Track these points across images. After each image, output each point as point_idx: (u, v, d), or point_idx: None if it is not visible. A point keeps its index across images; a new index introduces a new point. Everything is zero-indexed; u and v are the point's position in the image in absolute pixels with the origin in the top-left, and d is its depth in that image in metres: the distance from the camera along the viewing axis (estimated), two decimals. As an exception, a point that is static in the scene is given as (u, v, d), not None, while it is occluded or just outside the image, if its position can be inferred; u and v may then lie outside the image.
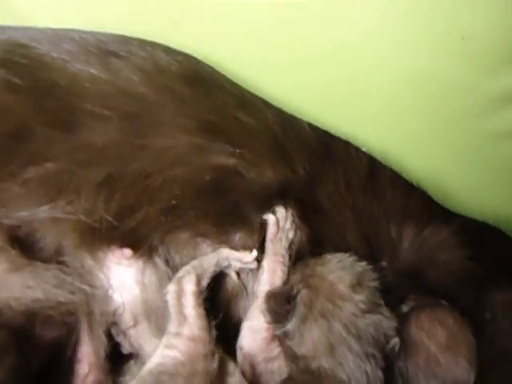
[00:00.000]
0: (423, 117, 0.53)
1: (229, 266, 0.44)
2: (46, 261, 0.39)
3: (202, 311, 0.39)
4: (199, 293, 0.40)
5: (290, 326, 0.39)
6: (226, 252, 0.43)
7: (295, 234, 0.46)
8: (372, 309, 0.38)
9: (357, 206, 0.49)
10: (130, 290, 0.41)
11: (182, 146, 0.44)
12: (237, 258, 0.44)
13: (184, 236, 0.43)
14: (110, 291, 0.41)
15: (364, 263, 0.41)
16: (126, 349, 0.42)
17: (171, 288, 0.40)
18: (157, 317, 0.41)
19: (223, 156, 0.45)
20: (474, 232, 0.49)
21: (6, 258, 0.38)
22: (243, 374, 0.39)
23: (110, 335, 0.41)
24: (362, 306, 0.37)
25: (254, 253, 0.44)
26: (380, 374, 0.36)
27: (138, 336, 0.41)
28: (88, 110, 0.42)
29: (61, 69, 0.42)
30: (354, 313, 0.37)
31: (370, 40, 0.47)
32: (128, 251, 0.41)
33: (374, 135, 0.54)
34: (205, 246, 0.44)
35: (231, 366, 0.39)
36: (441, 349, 0.40)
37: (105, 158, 0.41)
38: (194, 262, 0.42)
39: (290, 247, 0.45)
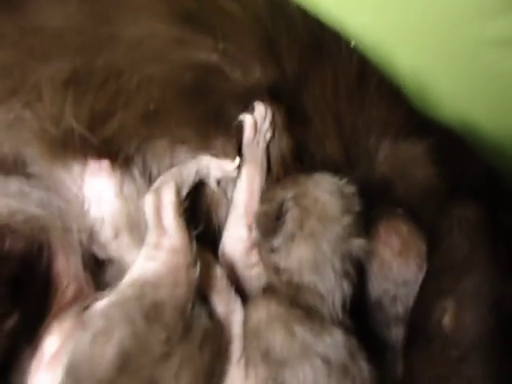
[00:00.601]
0: (420, 11, 0.48)
1: (209, 175, 0.41)
2: (6, 173, 0.34)
3: (182, 221, 0.37)
4: (179, 203, 0.38)
5: (276, 241, 0.39)
6: (206, 160, 0.40)
7: (274, 137, 0.42)
8: (355, 233, 0.39)
9: (340, 115, 0.46)
10: (109, 203, 0.38)
11: (158, 37, 0.38)
12: (218, 167, 0.41)
13: (162, 143, 0.39)
14: (86, 205, 0.37)
15: (352, 187, 0.40)
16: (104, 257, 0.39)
17: (149, 198, 0.37)
18: (139, 229, 0.39)
19: (204, 51, 0.39)
20: (448, 149, 0.48)
21: None
22: None
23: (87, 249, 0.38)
24: (348, 229, 0.38)
25: (237, 160, 0.41)
26: (351, 289, 0.39)
27: (119, 248, 0.39)
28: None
29: None
30: (341, 235, 0.38)
31: None
32: (106, 163, 0.36)
33: (365, 25, 0.49)
34: (183, 153, 0.40)
35: (218, 271, 0.38)
36: (394, 255, 0.42)
37: (65, 48, 0.34)
38: (173, 171, 0.39)
39: (267, 149, 0.42)
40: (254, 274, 0.41)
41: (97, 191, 0.38)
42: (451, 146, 0.49)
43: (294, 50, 0.44)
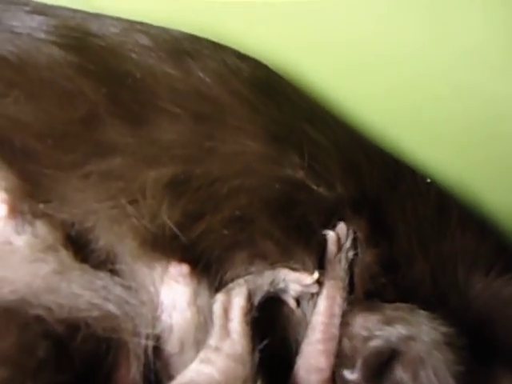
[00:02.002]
0: (501, 151, 0.49)
1: (286, 290, 0.40)
2: (95, 266, 0.35)
3: (247, 329, 0.35)
4: (248, 310, 0.36)
5: None
6: (283, 272, 0.39)
7: (357, 255, 0.41)
8: None
9: (424, 239, 0.45)
10: (181, 312, 0.36)
11: (251, 153, 0.41)
12: (295, 280, 0.39)
13: (242, 255, 0.39)
14: (159, 310, 0.36)
15: (462, 340, 0.36)
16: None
17: (219, 298, 0.36)
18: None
19: (292, 168, 0.42)
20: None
21: (55, 259, 0.34)
22: None
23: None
24: None
25: (316, 274, 0.39)
26: None
27: (180, 365, 0.36)
28: (159, 105, 0.39)
29: (134, 61, 0.39)
30: None
31: (462, 64, 0.45)
32: (186, 268, 0.36)
33: (444, 164, 0.50)
34: (261, 267, 0.39)
35: None
36: None
37: (172, 158, 0.38)
38: (248, 277, 0.38)
39: (349, 268, 0.41)
40: None
41: (171, 297, 0.37)
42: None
43: (372, 175, 0.46)
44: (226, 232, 0.37)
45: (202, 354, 0.34)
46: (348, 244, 0.41)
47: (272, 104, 0.44)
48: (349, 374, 0.36)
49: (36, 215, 0.34)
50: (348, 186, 0.43)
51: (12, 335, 0.30)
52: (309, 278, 0.39)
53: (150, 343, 0.35)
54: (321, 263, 0.41)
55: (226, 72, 0.43)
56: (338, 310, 0.39)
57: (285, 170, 0.41)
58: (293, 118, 0.45)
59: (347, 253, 0.41)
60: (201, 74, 0.41)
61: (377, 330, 0.37)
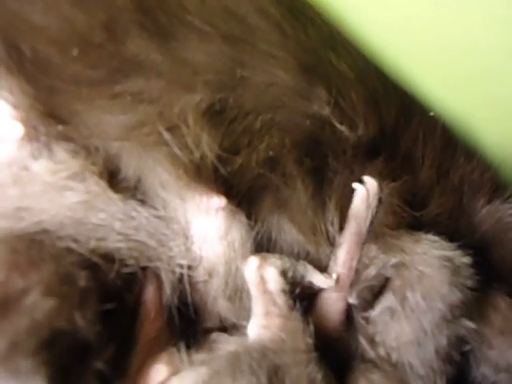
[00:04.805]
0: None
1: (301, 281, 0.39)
2: (124, 196, 0.33)
3: (285, 289, 0.36)
4: (283, 275, 0.36)
5: (375, 313, 0.36)
6: (309, 268, 0.38)
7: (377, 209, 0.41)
8: (464, 312, 0.36)
9: (435, 170, 0.46)
10: (211, 244, 0.36)
11: (282, 86, 0.39)
12: (317, 280, 0.38)
13: (268, 200, 0.38)
14: (189, 242, 0.35)
15: (467, 259, 0.37)
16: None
17: (253, 261, 0.35)
18: (235, 280, 0.37)
19: (318, 103, 0.40)
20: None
21: (81, 187, 0.31)
22: None
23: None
24: (455, 311, 0.36)
25: (334, 276, 0.39)
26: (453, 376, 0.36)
27: (205, 292, 0.37)
28: (187, 19, 0.35)
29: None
30: (448, 315, 0.35)
31: None
32: (223, 200, 0.35)
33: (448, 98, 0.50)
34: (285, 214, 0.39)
35: None
36: (494, 333, 0.39)
37: (206, 83, 0.34)
38: (282, 256, 0.38)
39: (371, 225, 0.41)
40: (345, 343, 0.38)
41: (202, 229, 0.36)
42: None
43: (391, 110, 0.45)
44: (260, 171, 0.36)
45: (255, 322, 0.34)
46: (375, 202, 0.41)
47: (299, 27, 0.41)
48: (350, 299, 0.38)
49: (54, 138, 0.31)
50: (369, 124, 0.42)
51: (48, 265, 0.28)
52: (328, 282, 0.38)
53: (184, 271, 0.34)
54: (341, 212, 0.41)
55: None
56: (355, 264, 0.39)
57: (312, 105, 0.39)
58: (318, 45, 0.42)
59: (373, 209, 0.41)
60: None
61: (374, 258, 0.39)
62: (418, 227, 0.42)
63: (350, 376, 0.35)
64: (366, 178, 0.41)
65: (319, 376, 0.31)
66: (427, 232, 0.40)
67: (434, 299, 0.35)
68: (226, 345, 0.32)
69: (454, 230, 0.43)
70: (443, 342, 0.34)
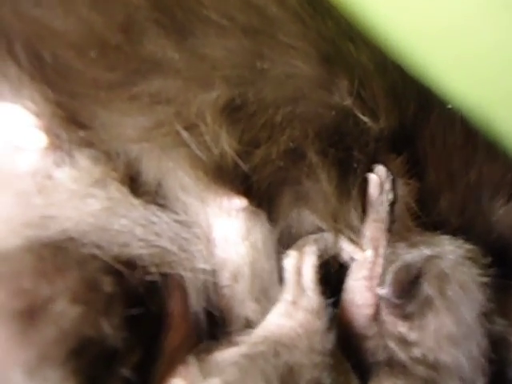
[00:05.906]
0: None
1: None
2: (145, 201, 0.32)
3: (319, 286, 0.35)
4: (318, 268, 0.36)
5: (411, 308, 0.35)
6: (343, 240, 0.38)
7: (396, 200, 0.41)
8: (495, 308, 0.35)
9: (453, 169, 0.45)
10: (235, 246, 0.35)
11: (301, 76, 0.37)
12: (350, 251, 0.38)
13: (289, 194, 0.38)
14: (212, 245, 0.35)
15: (487, 259, 0.36)
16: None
17: (292, 254, 0.36)
18: (261, 280, 0.36)
19: (340, 94, 0.39)
20: None
21: (103, 194, 0.31)
22: None
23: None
24: (490, 304, 0.34)
25: (368, 252, 0.38)
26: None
27: (231, 296, 0.36)
28: (204, 14, 0.33)
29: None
30: (486, 308, 0.34)
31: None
32: (244, 201, 0.34)
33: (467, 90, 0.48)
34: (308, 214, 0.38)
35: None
36: None
37: (224, 78, 0.33)
38: (316, 236, 0.38)
39: (390, 209, 0.41)
40: (368, 346, 0.37)
41: (225, 231, 0.35)
42: None
43: (410, 104, 0.44)
44: (282, 164, 0.35)
45: (279, 308, 0.34)
46: (388, 186, 0.41)
47: (318, 17, 0.40)
48: (380, 290, 0.37)
49: (76, 144, 0.30)
50: (390, 117, 0.41)
51: (74, 272, 0.28)
52: (361, 255, 0.38)
53: (207, 277, 0.34)
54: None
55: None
56: (382, 250, 0.39)
57: (333, 96, 0.38)
58: (337, 36, 0.41)
59: (388, 195, 0.41)
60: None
61: (403, 253, 0.38)
62: (433, 226, 0.41)
63: (374, 379, 0.34)
64: (376, 167, 0.41)
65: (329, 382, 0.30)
66: (443, 232, 0.39)
67: (473, 290, 0.34)
68: (238, 347, 0.32)
69: (469, 229, 0.42)
70: (484, 337, 0.33)
